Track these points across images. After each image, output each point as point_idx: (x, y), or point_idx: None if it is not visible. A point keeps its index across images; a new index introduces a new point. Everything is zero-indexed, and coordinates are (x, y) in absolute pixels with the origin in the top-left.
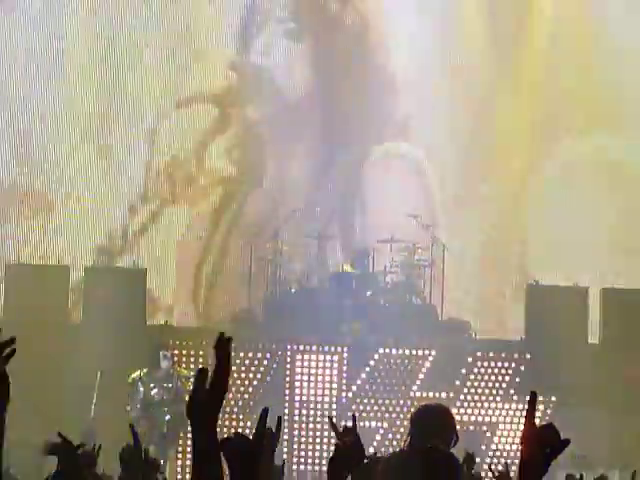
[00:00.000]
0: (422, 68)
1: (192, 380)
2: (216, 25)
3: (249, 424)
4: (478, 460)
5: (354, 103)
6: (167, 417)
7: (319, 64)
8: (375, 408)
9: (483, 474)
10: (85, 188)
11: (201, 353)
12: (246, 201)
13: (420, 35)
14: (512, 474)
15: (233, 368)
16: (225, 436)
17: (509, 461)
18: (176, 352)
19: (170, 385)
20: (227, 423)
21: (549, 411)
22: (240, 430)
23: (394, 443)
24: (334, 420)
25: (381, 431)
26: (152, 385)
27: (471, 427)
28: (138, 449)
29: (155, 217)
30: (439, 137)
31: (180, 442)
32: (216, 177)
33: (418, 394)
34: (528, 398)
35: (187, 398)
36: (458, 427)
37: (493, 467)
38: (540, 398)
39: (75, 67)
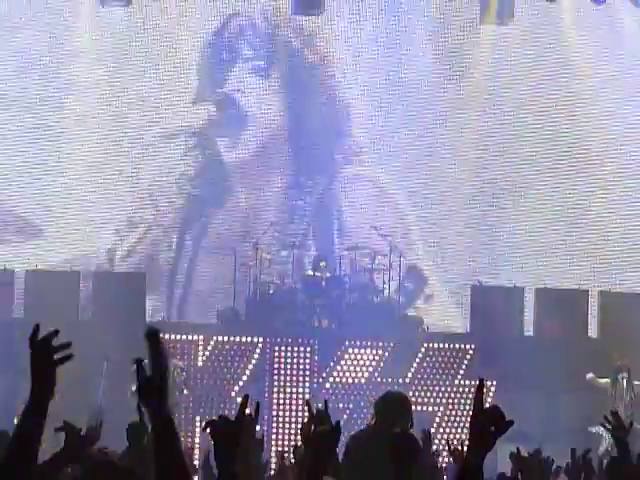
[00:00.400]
0: (375, 98)
1: (179, 369)
2: (190, 64)
3: (234, 406)
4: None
5: (319, 131)
6: None
7: (286, 98)
8: (342, 392)
9: (434, 447)
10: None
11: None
12: (226, 218)
13: (375, 68)
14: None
15: (220, 358)
16: (212, 418)
17: (463, 436)
18: (171, 345)
19: None
20: (215, 406)
21: (490, 394)
22: (226, 412)
23: (359, 422)
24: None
25: (347, 411)
26: None
27: (425, 407)
28: (144, 425)
29: (140, 240)
30: (395, 158)
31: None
32: (195, 200)
33: (379, 379)
34: (477, 384)
35: (184, 390)
36: (413, 408)
37: (451, 445)
38: None
39: (67, 104)
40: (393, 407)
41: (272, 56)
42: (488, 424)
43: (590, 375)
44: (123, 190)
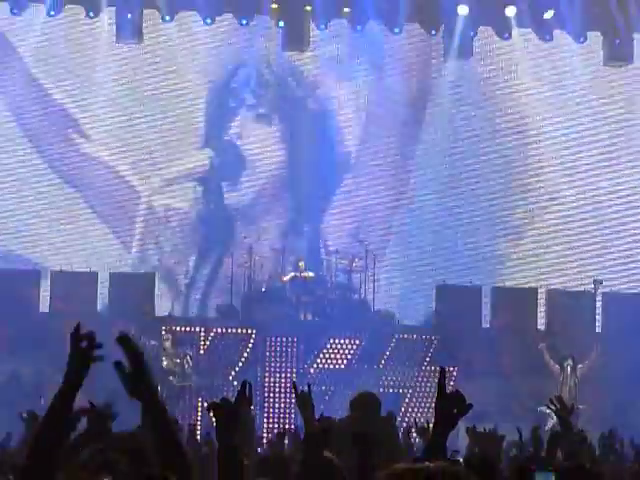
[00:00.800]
0: (364, 142)
1: (188, 357)
2: (195, 113)
3: (231, 389)
4: (400, 416)
5: (313, 169)
6: (174, 384)
7: (286, 142)
8: (325, 376)
9: (404, 425)
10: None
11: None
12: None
13: (365, 118)
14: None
15: (219, 347)
16: (214, 400)
17: (429, 415)
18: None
19: (177, 360)
20: (214, 388)
21: (453, 379)
22: (224, 394)
23: (337, 405)
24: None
25: (329, 393)
26: (163, 358)
27: (395, 390)
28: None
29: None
30: (375, 189)
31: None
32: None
33: (356, 366)
34: (439, 370)
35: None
36: (385, 390)
37: (418, 423)
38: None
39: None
40: (364, 406)
41: (274, 103)
42: (450, 407)
43: (542, 344)
44: (132, 221)
